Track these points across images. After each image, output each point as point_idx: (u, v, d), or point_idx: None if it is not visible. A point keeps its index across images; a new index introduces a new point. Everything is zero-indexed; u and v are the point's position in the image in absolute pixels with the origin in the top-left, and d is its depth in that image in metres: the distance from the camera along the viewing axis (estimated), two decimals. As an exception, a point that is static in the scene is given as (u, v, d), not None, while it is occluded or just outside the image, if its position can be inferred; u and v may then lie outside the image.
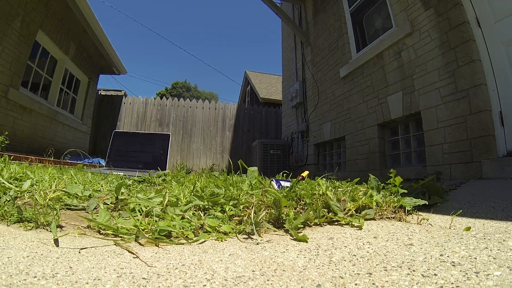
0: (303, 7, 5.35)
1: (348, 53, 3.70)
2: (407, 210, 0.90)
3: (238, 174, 1.38)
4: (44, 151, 4.04)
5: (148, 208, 0.77)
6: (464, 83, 2.02)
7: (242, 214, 0.77)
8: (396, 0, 2.84)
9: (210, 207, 0.81)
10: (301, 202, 0.88)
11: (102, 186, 1.13)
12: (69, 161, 4.19)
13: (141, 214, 0.75)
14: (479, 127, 1.94)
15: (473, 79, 1.97)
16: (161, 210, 0.77)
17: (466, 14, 2.12)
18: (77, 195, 0.90)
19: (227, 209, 0.78)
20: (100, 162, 5.07)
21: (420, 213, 0.94)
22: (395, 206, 0.89)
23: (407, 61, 2.60)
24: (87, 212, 0.81)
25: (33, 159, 3.03)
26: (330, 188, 0.99)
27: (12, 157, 2.73)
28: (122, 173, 1.63)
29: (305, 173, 1.14)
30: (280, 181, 1.10)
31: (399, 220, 0.83)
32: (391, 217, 0.85)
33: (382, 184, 1.00)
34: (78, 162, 4.45)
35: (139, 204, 0.79)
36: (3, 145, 2.96)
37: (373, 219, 0.85)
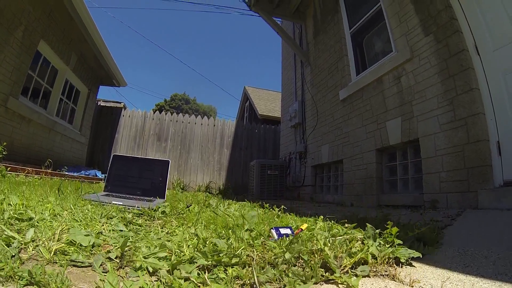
0: (303, 27, 5.45)
1: (348, 76, 3.74)
2: (401, 262, 0.92)
3: (234, 199, 1.35)
4: (41, 161, 4.00)
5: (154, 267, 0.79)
6: (463, 112, 2.01)
7: (244, 275, 0.79)
8: (396, 24, 2.88)
9: (213, 266, 0.83)
10: (300, 260, 0.91)
11: (104, 227, 1.13)
12: (66, 173, 4.17)
13: (147, 273, 0.77)
14: (476, 156, 1.91)
15: (471, 108, 1.96)
16: (167, 272, 0.77)
17: (465, 42, 2.13)
18: (81, 245, 0.89)
19: (230, 271, 0.80)
20: (97, 174, 4.99)
21: (413, 263, 0.95)
22: (390, 258, 0.92)
23: (406, 87, 2.61)
24: (94, 271, 0.81)
25: (30, 171, 2.95)
26: (328, 238, 0.99)
27: (9, 168, 2.66)
28: (121, 203, 1.61)
29: (304, 226, 1.14)
30: (280, 229, 1.11)
31: (393, 279, 0.83)
32: (385, 274, 0.85)
33: (378, 231, 1.00)
34: (75, 174, 4.38)
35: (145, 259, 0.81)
36: (0, 155, 2.92)
37: (368, 276, 0.85)
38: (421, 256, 0.94)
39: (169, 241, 0.99)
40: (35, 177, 2.81)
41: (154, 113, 6.47)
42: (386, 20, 3.09)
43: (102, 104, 6.85)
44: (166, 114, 6.47)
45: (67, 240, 0.90)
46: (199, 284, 0.71)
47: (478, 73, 2.04)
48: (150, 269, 0.78)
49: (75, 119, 5.61)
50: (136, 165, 2.15)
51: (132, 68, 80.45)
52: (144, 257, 0.82)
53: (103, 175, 5.27)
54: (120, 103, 7.23)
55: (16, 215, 1.08)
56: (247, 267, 0.81)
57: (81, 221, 1.15)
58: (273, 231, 1.10)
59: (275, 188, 4.46)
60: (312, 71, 4.83)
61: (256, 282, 0.72)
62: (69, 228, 1.01)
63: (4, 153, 2.93)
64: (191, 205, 1.89)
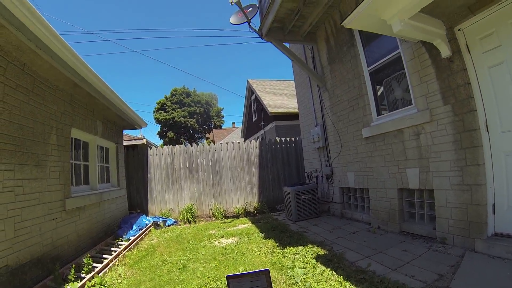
0: (315, 48, 5.75)
1: (369, 115, 4.34)
2: None
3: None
4: (99, 235, 4.36)
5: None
6: (469, 180, 2.74)
7: None
8: (417, 83, 3.25)
9: None
10: None
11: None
12: (129, 237, 4.43)
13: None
14: (476, 215, 2.66)
15: (476, 179, 2.69)
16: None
17: (478, 121, 2.59)
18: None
19: None
20: (144, 220, 5.51)
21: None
22: None
23: (424, 145, 3.29)
24: None
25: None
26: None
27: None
28: None
29: None
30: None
31: None
32: None
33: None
34: (133, 233, 4.71)
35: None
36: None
37: None
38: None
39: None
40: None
41: (180, 147, 6.85)
42: (406, 72, 3.48)
43: (124, 143, 6.94)
44: (192, 145, 6.90)
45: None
46: None
47: (485, 150, 2.62)
48: None
49: (111, 176, 5.70)
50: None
51: (122, 72, 77.72)
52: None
53: (148, 218, 5.86)
54: (141, 139, 7.47)
55: None
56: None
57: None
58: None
59: (309, 208, 5.29)
60: (331, 99, 5.36)
61: None
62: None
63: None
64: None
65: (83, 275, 3.08)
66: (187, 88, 40.42)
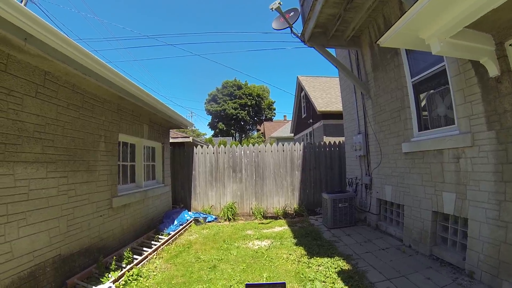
0: (359, 53, 5.61)
1: (410, 130, 4.15)
2: None
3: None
4: (143, 229, 4.79)
5: None
6: (506, 217, 2.55)
7: None
8: (461, 102, 3.03)
9: None
10: None
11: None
12: (170, 232, 4.99)
13: None
14: (508, 255, 2.46)
15: (514, 216, 2.50)
16: None
17: None
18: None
19: None
20: (186, 216, 6.04)
21: None
22: None
23: (463, 170, 3.07)
24: None
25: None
26: None
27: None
28: None
29: None
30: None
31: None
32: None
33: None
34: (173, 228, 5.18)
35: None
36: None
37: None
38: None
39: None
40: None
41: (225, 147, 7.28)
42: (450, 88, 3.26)
43: (171, 140, 7.55)
44: (237, 146, 7.28)
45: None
46: None
47: (527, 186, 2.47)
48: None
49: (156, 173, 6.05)
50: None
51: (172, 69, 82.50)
52: None
53: (190, 213, 6.38)
54: (188, 137, 8.00)
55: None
56: None
57: None
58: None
59: (345, 217, 5.37)
60: (374, 107, 5.23)
61: None
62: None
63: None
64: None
65: (123, 265, 3.46)
66: (239, 81, 41.69)
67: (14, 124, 2.50)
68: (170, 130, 8.13)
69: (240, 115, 40.60)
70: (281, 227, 5.78)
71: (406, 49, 4.17)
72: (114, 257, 3.64)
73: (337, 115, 13.14)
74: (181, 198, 7.27)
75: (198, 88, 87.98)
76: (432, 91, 3.82)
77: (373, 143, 5.28)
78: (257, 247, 4.49)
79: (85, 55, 2.90)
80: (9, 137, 2.45)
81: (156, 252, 4.16)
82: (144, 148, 5.48)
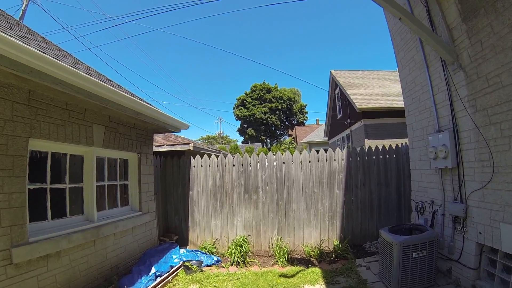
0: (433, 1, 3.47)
1: None
2: None
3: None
4: (92, 284, 3.13)
5: None
6: None
7: None
8: None
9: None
10: None
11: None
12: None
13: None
14: None
15: None
16: None
17: None
18: None
19: None
20: (196, 257, 4.35)
21: None
22: None
23: None
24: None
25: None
26: None
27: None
28: None
29: None
30: None
31: None
32: None
33: None
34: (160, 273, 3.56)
35: None
36: None
37: None
38: None
39: None
40: None
41: (234, 157, 5.13)
42: None
43: (166, 149, 5.70)
44: (251, 156, 5.09)
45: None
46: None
47: None
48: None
49: (130, 197, 4.37)
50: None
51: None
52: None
53: (182, 252, 4.45)
54: (188, 144, 5.85)
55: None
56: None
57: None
58: None
59: (421, 272, 3.13)
60: (472, 83, 3.00)
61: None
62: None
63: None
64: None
65: None
66: (268, 84, 39.97)
67: None
68: (166, 135, 6.41)
69: (270, 120, 38.71)
70: (313, 286, 3.54)
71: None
72: None
73: (381, 113, 10.78)
74: (175, 227, 5.29)
75: (228, 92, 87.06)
76: None
77: (472, 147, 3.03)
78: None
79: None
80: None
81: None
82: (102, 162, 3.85)
